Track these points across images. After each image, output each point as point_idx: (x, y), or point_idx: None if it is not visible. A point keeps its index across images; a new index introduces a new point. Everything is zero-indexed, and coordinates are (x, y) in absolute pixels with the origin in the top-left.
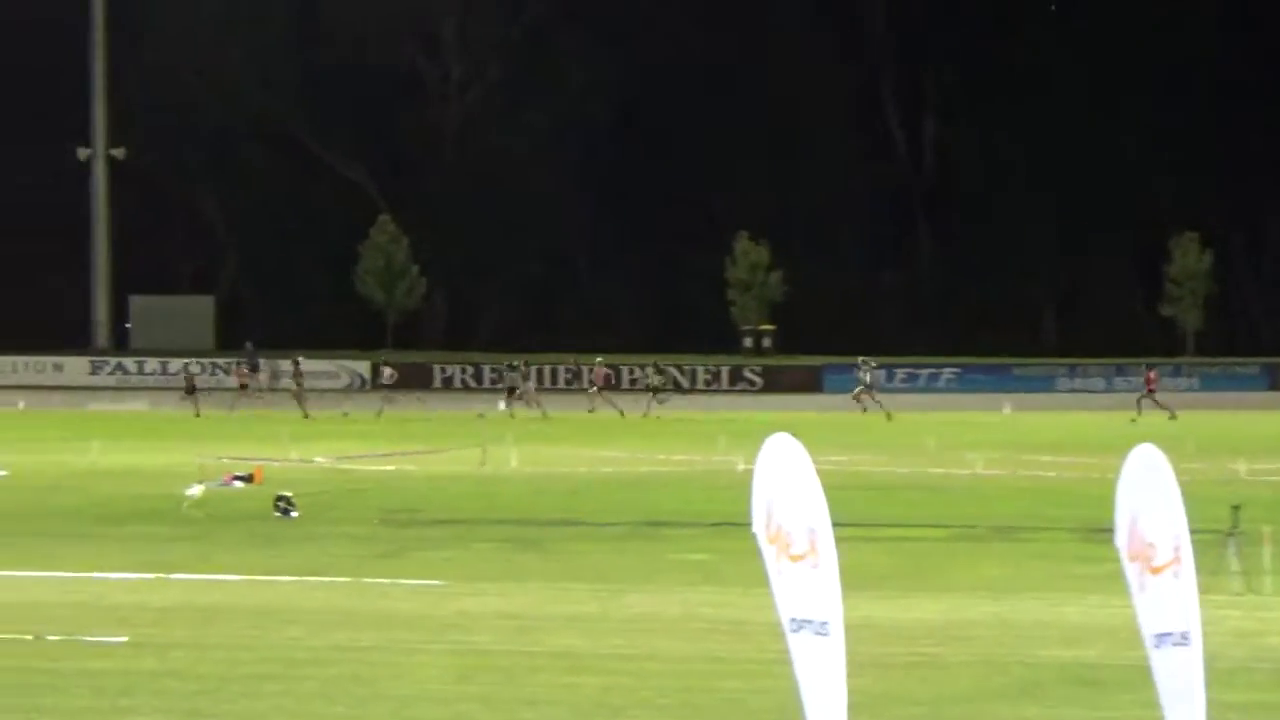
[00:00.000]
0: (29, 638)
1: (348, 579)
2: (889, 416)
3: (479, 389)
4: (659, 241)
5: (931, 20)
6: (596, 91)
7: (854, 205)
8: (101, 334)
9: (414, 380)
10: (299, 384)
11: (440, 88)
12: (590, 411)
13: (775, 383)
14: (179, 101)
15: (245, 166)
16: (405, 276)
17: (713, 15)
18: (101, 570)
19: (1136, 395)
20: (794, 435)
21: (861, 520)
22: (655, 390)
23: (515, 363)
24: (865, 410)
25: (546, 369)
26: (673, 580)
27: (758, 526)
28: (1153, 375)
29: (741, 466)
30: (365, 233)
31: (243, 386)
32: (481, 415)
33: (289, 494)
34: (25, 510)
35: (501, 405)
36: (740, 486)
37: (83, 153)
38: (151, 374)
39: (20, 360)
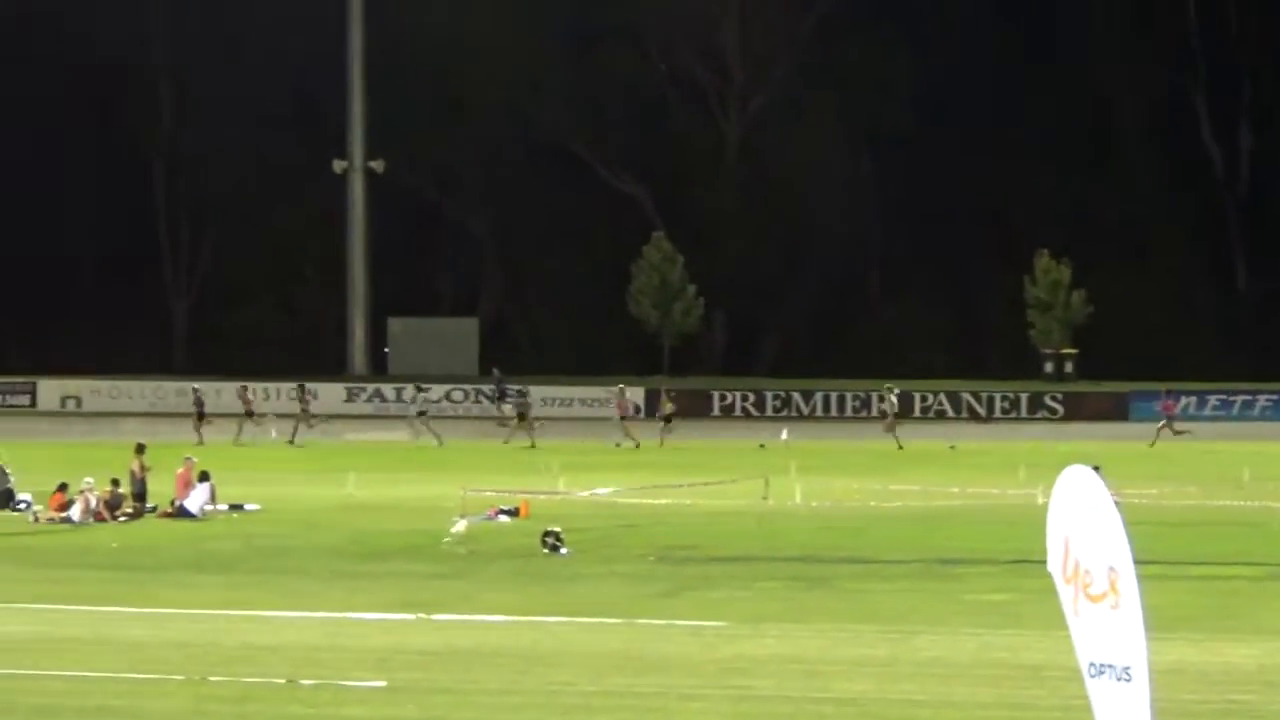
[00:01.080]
0: (282, 681)
1: (621, 620)
2: (900, 446)
3: (761, 417)
4: (954, 259)
5: (1246, 26)
6: (886, 101)
7: (1163, 220)
8: (359, 358)
9: (692, 408)
10: (524, 411)
11: (720, 98)
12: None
13: (1077, 410)
14: (442, 112)
15: (512, 180)
16: (681, 297)
17: (1010, 17)
18: (359, 610)
19: None
20: (1098, 466)
21: (1168, 558)
22: (667, 419)
23: (521, 387)
24: (898, 443)
25: (834, 396)
26: (967, 621)
27: (1054, 564)
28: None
29: (1041, 500)
30: (639, 250)
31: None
32: (763, 446)
33: (558, 529)
34: (279, 547)
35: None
36: (1040, 521)
37: (339, 165)
38: (411, 401)
39: (273, 386)
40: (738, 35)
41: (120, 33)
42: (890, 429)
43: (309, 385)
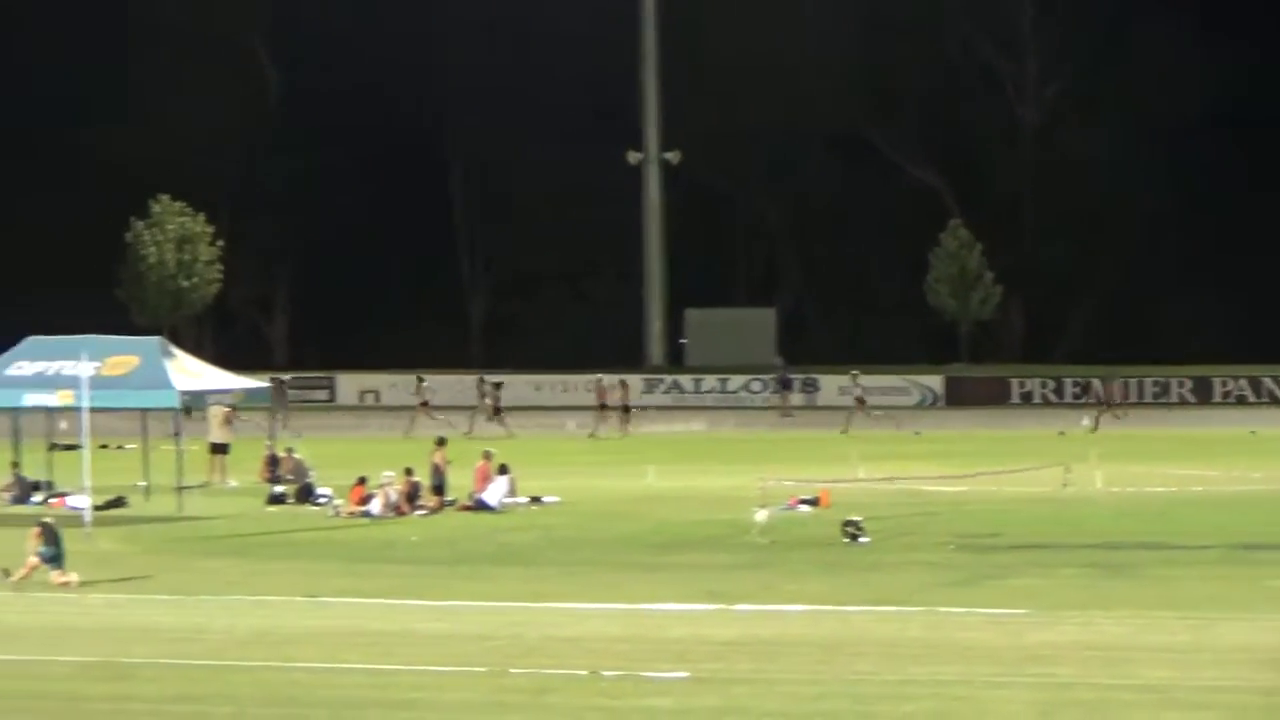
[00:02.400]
0: (584, 673)
1: (921, 608)
2: (844, 430)
3: (1060, 404)
4: (1253, 247)
5: None
6: (1185, 87)
7: None
8: (656, 350)
9: (989, 395)
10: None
11: (1016, 85)
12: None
13: None
14: (737, 102)
15: (807, 170)
16: (979, 285)
17: None
18: (660, 601)
19: None
20: None
21: None
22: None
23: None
24: (845, 430)
25: (1132, 382)
26: (1271, 608)
27: None
28: None
29: None
30: (936, 239)
31: (859, 401)
32: (1063, 433)
33: (858, 518)
34: (581, 538)
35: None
36: None
37: (634, 157)
38: (709, 392)
39: (570, 379)
40: (1033, 21)
41: (416, 32)
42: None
43: (488, 378)
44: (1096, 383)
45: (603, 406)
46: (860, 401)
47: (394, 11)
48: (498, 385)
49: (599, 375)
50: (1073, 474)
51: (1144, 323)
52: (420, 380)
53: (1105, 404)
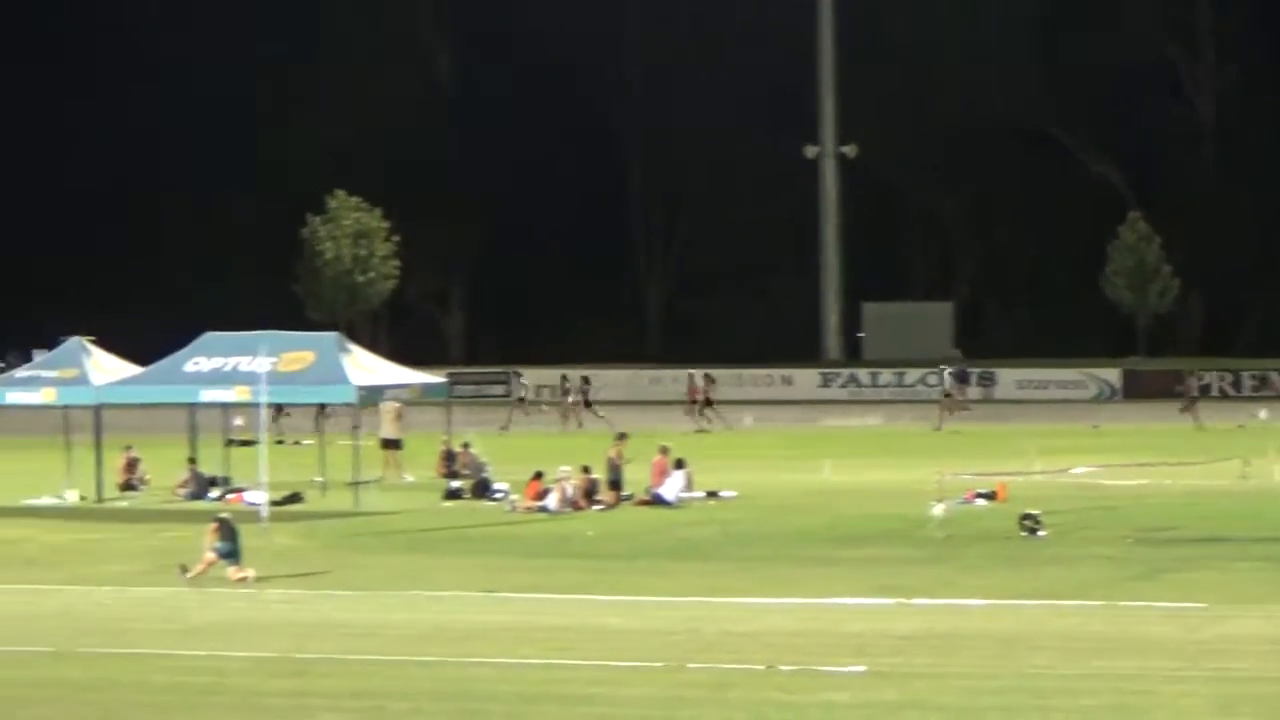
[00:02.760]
0: (761, 667)
1: (1099, 602)
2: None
3: (1239, 397)
4: None
5: None
6: None
7: None
8: (832, 344)
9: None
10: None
11: (1195, 80)
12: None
13: None
14: (913, 95)
15: (984, 163)
16: (1157, 278)
17: None
18: (837, 595)
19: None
20: None
21: None
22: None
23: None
24: (940, 426)
25: None
26: None
27: None
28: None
29: None
30: (1114, 232)
31: (947, 396)
32: (1242, 426)
33: (1036, 512)
34: (758, 533)
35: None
36: None
37: (810, 150)
38: (886, 386)
39: (747, 373)
40: (1209, 13)
41: (595, 30)
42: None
43: (698, 372)
44: (1275, 376)
45: (693, 401)
46: (949, 395)
47: (572, 6)
48: (709, 378)
49: (690, 371)
50: (1251, 467)
51: None
52: (585, 380)
53: None
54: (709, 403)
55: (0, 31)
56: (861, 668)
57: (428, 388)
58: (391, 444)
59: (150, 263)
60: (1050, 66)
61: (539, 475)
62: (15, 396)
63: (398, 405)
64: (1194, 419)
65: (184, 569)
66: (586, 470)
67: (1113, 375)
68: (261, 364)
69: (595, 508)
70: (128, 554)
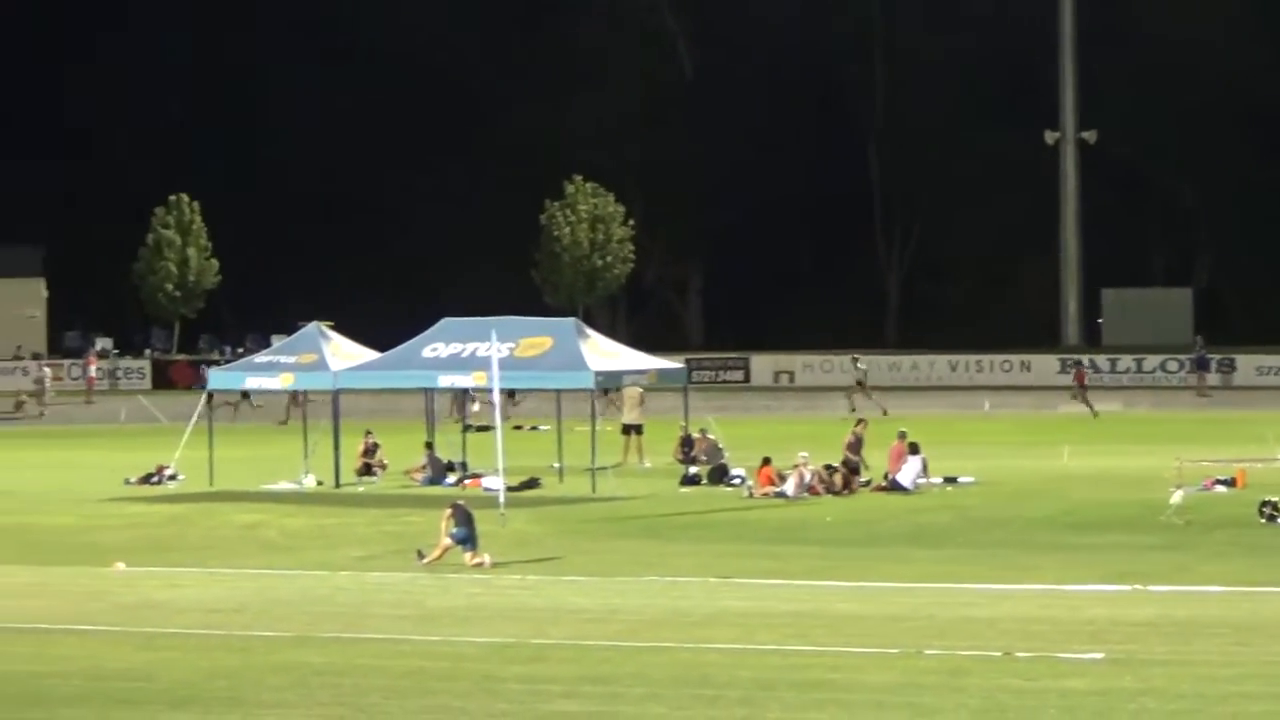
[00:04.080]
0: (998, 654)
1: None
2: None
3: None
4: None
5: None
6: None
7: None
8: (1072, 330)
9: None
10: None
11: None
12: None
13: None
14: (1155, 80)
15: (1225, 149)
16: None
17: None
18: (1075, 582)
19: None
20: None
21: None
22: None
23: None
24: (852, 410)
25: None
26: None
27: None
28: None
29: None
30: None
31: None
32: None
33: (1276, 499)
34: (994, 519)
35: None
36: None
37: (1051, 136)
38: (1125, 372)
39: (985, 359)
40: None
41: (834, 16)
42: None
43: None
44: None
45: (859, 385)
46: (860, 385)
47: None
48: (1079, 364)
49: (854, 355)
50: None
51: None
52: (855, 360)
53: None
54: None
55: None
56: (1099, 655)
57: (665, 373)
58: (633, 429)
59: (389, 249)
60: None
61: (768, 461)
62: (255, 381)
63: (639, 390)
64: (852, 406)
65: (421, 554)
66: (767, 462)
67: None
68: (498, 350)
69: (832, 492)
70: (365, 539)
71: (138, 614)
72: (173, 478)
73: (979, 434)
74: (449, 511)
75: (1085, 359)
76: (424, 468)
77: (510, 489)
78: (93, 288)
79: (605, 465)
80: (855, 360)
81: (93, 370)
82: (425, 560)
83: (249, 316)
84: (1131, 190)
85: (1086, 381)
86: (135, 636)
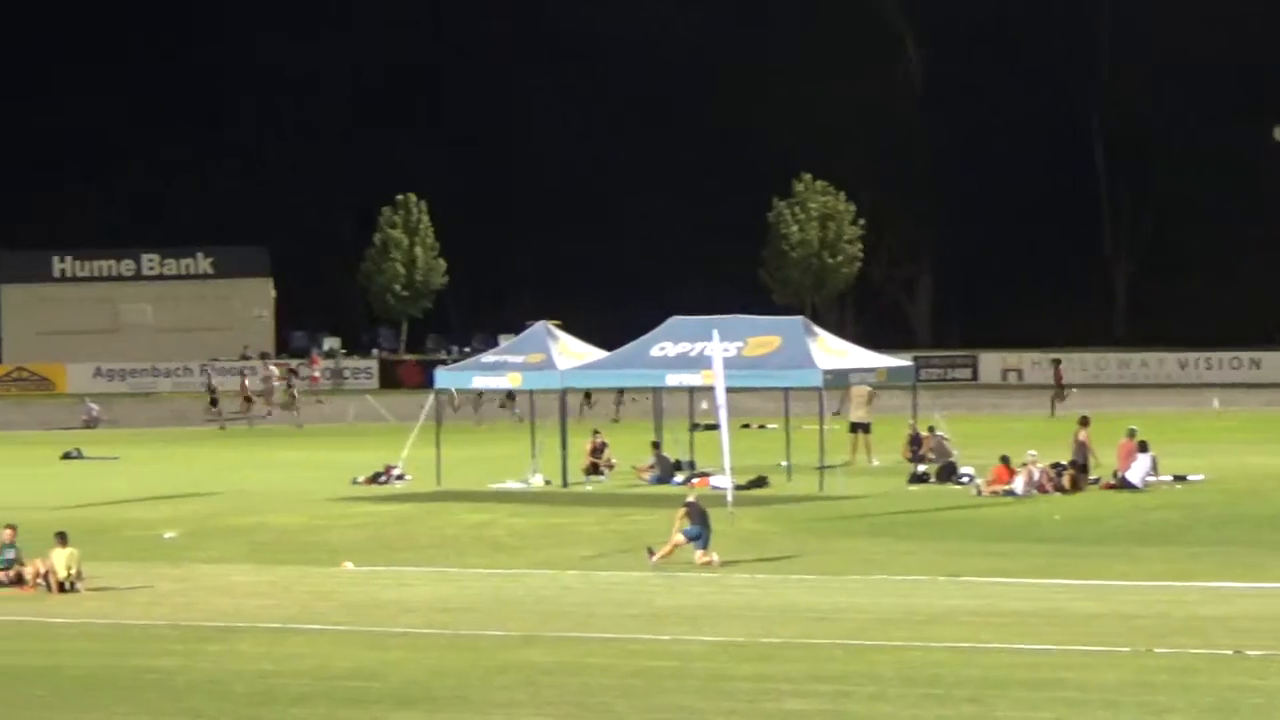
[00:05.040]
0: (1229, 653)
1: None
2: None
3: None
4: None
5: None
6: None
7: None
8: None
9: None
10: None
11: None
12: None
13: None
14: None
15: None
16: None
17: None
18: None
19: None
20: None
21: None
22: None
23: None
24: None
25: None
26: None
27: None
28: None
29: None
30: None
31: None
32: None
33: None
34: (1226, 517)
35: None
36: None
37: (1278, 132)
38: None
39: (1214, 356)
40: None
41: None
42: None
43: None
44: None
45: (1060, 386)
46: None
47: None
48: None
49: (1056, 356)
50: None
51: None
52: (1056, 362)
53: None
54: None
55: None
56: None
57: (893, 371)
58: (861, 427)
59: (616, 247)
60: None
61: (1004, 459)
62: (482, 381)
63: (869, 389)
64: None
65: (651, 551)
66: (1004, 460)
67: None
68: (724, 349)
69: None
70: (593, 538)
71: (366, 613)
72: (400, 477)
73: (1208, 432)
74: (683, 510)
75: None
76: (652, 466)
77: (738, 488)
78: (320, 288)
79: (833, 464)
80: (1057, 362)
81: (316, 371)
82: (655, 557)
83: (476, 316)
84: None
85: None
86: (363, 636)
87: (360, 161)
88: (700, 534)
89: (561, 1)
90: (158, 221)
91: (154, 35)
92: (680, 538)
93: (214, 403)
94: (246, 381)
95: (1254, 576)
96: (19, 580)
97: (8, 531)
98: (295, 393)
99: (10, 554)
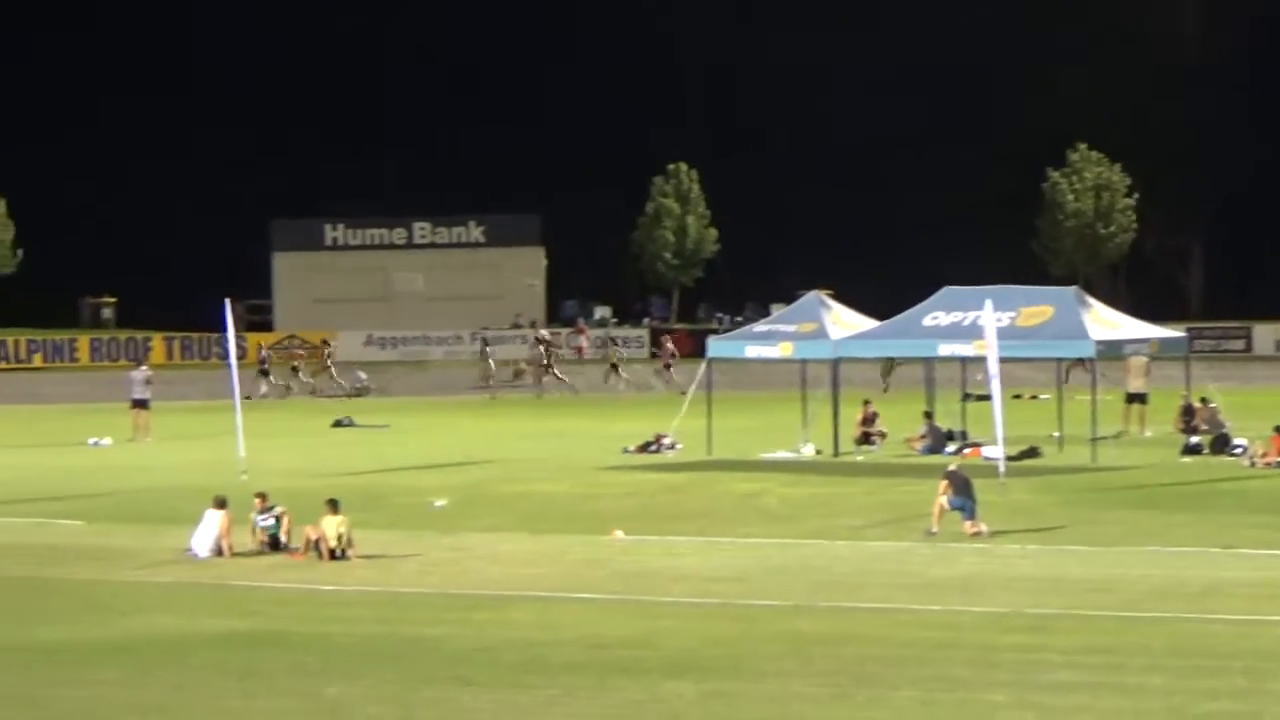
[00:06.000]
0: None
1: None
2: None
3: None
4: None
5: None
6: None
7: None
8: None
9: None
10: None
11: None
12: None
13: None
14: None
15: None
16: None
17: None
18: None
19: None
20: None
21: None
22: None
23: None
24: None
25: None
26: None
27: None
28: None
29: None
30: None
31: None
32: None
33: None
34: None
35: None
36: None
37: None
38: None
39: None
40: None
41: None
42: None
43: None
44: None
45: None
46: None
47: None
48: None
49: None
50: None
51: None
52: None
53: None
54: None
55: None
56: None
57: (1166, 342)
58: (1137, 398)
59: (888, 217)
60: None
61: (1279, 430)
62: (754, 350)
63: (1145, 359)
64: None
65: (930, 532)
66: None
67: None
68: (996, 318)
69: None
70: (863, 508)
71: (636, 582)
72: (671, 446)
73: None
74: (945, 479)
75: None
76: (923, 437)
77: (1010, 458)
78: (591, 257)
79: (1105, 435)
80: None
81: (583, 341)
82: (935, 531)
83: (747, 285)
84: None
85: None
86: (633, 605)
87: (631, 128)
88: (964, 504)
89: None
90: (429, 189)
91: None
92: (944, 502)
93: (498, 372)
94: (522, 351)
95: None
96: (275, 545)
97: (257, 500)
98: (553, 362)
99: (267, 520)
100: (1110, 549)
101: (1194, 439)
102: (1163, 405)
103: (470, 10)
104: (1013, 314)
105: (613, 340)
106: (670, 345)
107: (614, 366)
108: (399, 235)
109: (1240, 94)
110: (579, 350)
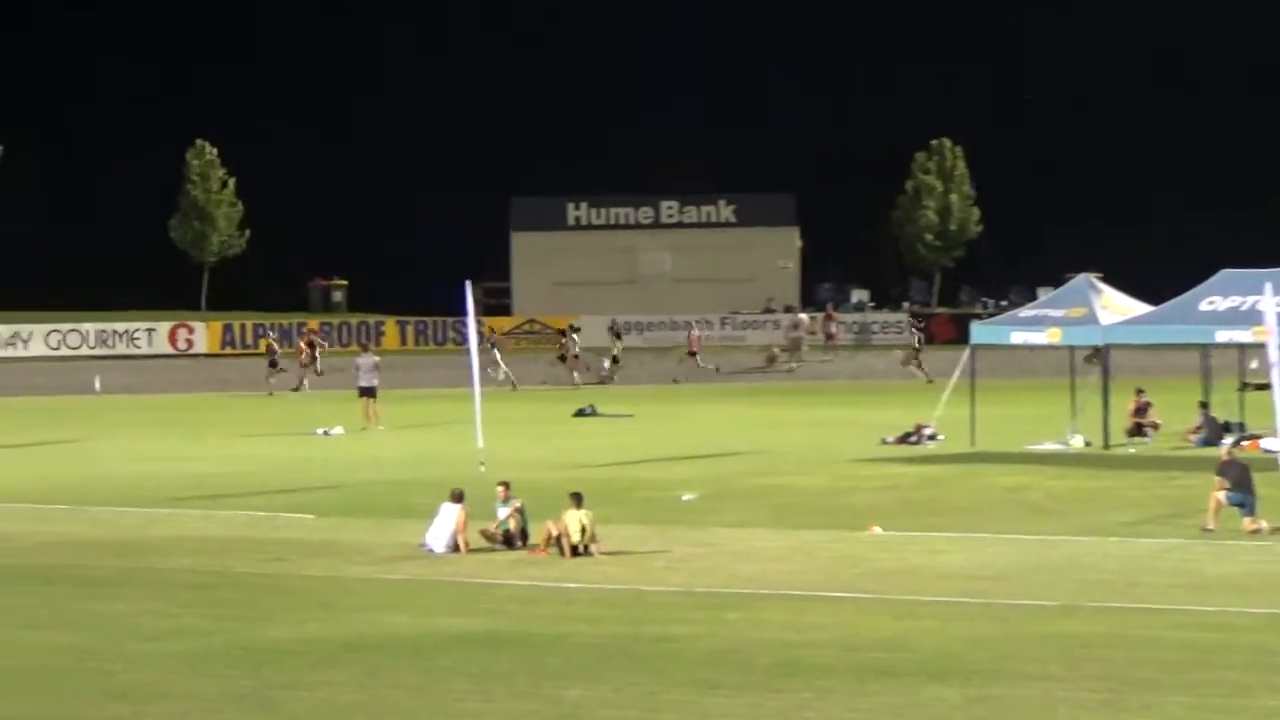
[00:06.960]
0: None
1: None
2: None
3: None
4: None
5: None
6: None
7: None
8: None
9: None
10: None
11: None
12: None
13: None
14: None
15: None
16: None
17: None
18: None
19: None
20: None
21: None
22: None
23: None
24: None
25: None
26: None
27: None
28: None
29: None
30: None
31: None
32: None
33: None
34: None
35: None
36: None
37: None
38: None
39: None
40: None
41: None
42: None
43: None
44: None
45: None
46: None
47: None
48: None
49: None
50: None
51: None
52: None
53: None
54: None
55: None
56: None
57: None
58: None
59: (1153, 197)
60: None
61: None
62: (1020, 336)
63: None
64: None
65: (1207, 529)
66: None
67: None
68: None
69: None
70: (1136, 502)
71: (894, 580)
72: (932, 437)
73: None
74: (1219, 472)
75: None
76: (1199, 428)
77: None
78: (848, 237)
79: None
80: None
81: (833, 326)
82: (1211, 528)
83: (1012, 267)
84: None
85: None
86: (892, 604)
87: (894, 105)
88: (1244, 499)
89: None
90: (673, 166)
91: None
92: (1221, 498)
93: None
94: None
95: None
96: (509, 541)
97: (500, 489)
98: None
99: (505, 511)
100: None
101: None
102: None
103: None
104: None
105: (915, 324)
106: (918, 332)
107: (915, 352)
108: (645, 215)
109: None
110: (829, 337)
